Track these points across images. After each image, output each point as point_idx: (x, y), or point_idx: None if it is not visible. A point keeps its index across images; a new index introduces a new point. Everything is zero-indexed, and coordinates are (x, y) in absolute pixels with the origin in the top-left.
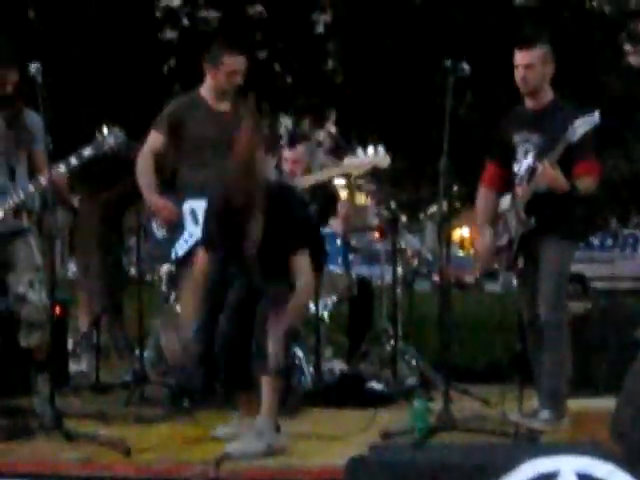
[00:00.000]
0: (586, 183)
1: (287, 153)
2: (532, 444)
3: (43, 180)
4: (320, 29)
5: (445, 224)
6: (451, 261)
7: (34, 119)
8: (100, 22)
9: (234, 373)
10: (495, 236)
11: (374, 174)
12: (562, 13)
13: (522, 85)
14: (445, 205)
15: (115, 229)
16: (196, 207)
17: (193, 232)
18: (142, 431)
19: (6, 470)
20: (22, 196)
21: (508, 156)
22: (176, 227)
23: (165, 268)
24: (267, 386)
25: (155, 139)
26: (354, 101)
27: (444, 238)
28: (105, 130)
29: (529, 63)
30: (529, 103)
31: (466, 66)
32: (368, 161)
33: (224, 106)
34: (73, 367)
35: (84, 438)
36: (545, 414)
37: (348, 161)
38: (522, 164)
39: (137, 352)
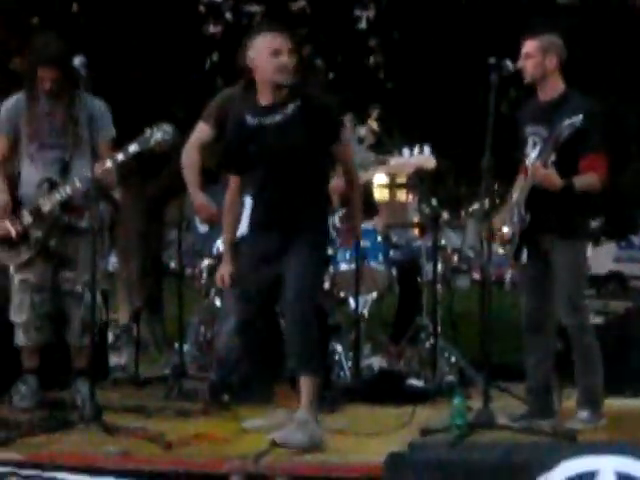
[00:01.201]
0: (587, 180)
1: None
2: (571, 443)
3: (90, 175)
4: (363, 25)
5: (487, 221)
6: (492, 259)
7: (99, 106)
8: (144, 16)
9: (270, 367)
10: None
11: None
12: (605, 10)
13: (524, 75)
14: (487, 202)
15: (156, 222)
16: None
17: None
18: (181, 425)
19: (46, 462)
20: (69, 191)
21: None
22: (219, 221)
23: (206, 262)
24: (305, 380)
25: (202, 131)
26: (397, 97)
27: (486, 236)
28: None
29: (527, 52)
30: (539, 95)
31: (510, 63)
32: (414, 162)
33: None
34: (113, 360)
35: (124, 431)
36: (583, 414)
37: (394, 161)
38: (531, 157)
39: (177, 346)
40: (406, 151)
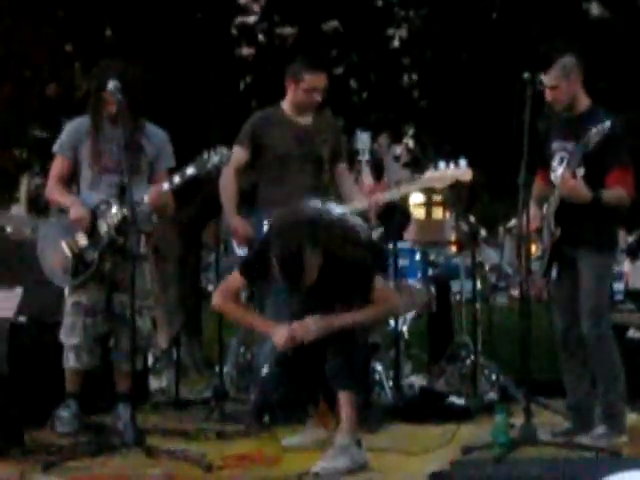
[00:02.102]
0: (615, 194)
1: (368, 179)
2: (614, 458)
3: (146, 199)
4: (396, 44)
5: (524, 238)
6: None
7: (160, 137)
8: (176, 39)
9: (309, 387)
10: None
11: (452, 187)
12: (636, 24)
13: (554, 105)
14: (525, 218)
15: (194, 246)
16: None
17: None
18: (223, 447)
19: None
20: (126, 213)
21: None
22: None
23: None
24: (346, 401)
25: (239, 155)
26: (431, 115)
27: (524, 252)
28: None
29: (552, 84)
30: (566, 111)
31: (544, 78)
32: (450, 175)
33: (305, 120)
34: (153, 384)
35: (165, 454)
36: (600, 429)
37: (429, 175)
38: (557, 172)
39: (217, 368)
40: (442, 164)
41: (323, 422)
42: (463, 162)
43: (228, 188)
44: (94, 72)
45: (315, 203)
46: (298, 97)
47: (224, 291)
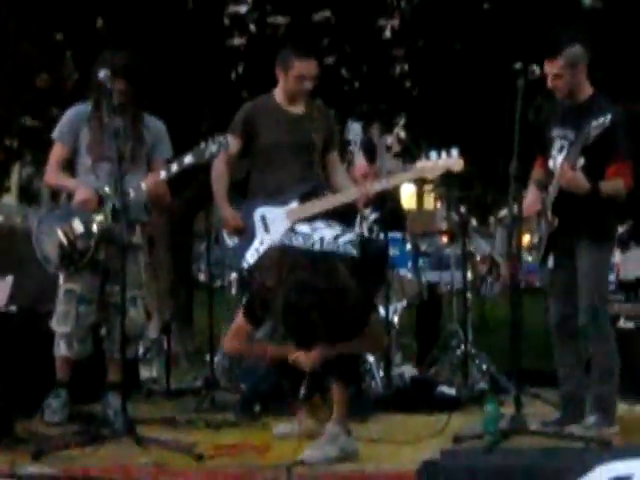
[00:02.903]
0: (613, 185)
1: (362, 162)
2: (605, 448)
3: (143, 186)
4: (387, 34)
5: (515, 228)
6: (521, 265)
7: (158, 127)
8: (168, 29)
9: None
10: (541, 204)
11: (444, 177)
12: (630, 13)
13: (555, 92)
14: (515, 208)
15: (185, 236)
16: (267, 213)
17: (264, 239)
18: (213, 436)
19: (79, 475)
20: (121, 201)
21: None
22: (247, 234)
23: (234, 274)
24: (337, 390)
25: (230, 144)
26: (422, 106)
27: (515, 242)
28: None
29: (556, 73)
30: (568, 99)
31: (536, 69)
32: (441, 164)
33: (297, 109)
34: (144, 373)
35: (155, 443)
36: (591, 420)
37: (420, 165)
38: (557, 160)
39: (208, 358)
40: (433, 154)
41: (315, 413)
42: (455, 151)
43: (219, 178)
44: (98, 61)
45: (305, 234)
46: (289, 85)
47: (231, 336)
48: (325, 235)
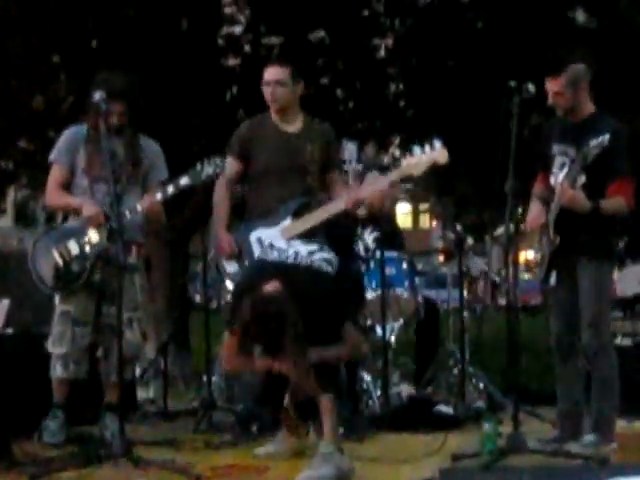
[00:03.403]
0: (614, 203)
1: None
2: (603, 465)
3: (139, 208)
4: (382, 53)
5: (512, 246)
6: (518, 283)
7: (154, 149)
8: (162, 50)
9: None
10: (544, 218)
11: (440, 196)
12: (623, 31)
13: (556, 109)
14: (512, 227)
15: (181, 256)
16: (262, 235)
17: None
18: (211, 457)
19: None
20: (118, 223)
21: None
22: (245, 258)
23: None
24: (326, 406)
25: (230, 165)
26: (417, 124)
27: (511, 260)
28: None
29: (556, 91)
30: (569, 116)
31: (531, 87)
32: (425, 159)
33: (293, 127)
34: (141, 394)
35: (153, 465)
36: (589, 438)
37: (405, 162)
38: (558, 177)
39: (204, 379)
40: (417, 149)
41: (294, 431)
42: (438, 143)
43: (219, 201)
44: (94, 82)
45: (281, 249)
46: (266, 97)
47: (226, 356)
48: (300, 250)
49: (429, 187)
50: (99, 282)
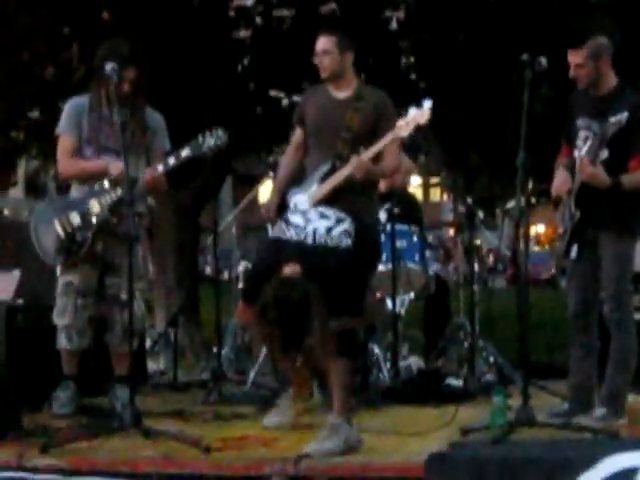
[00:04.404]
0: (635, 178)
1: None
2: (613, 439)
3: (141, 179)
4: (394, 26)
5: (523, 219)
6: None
7: (156, 119)
8: (173, 22)
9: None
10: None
11: (450, 169)
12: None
13: (577, 82)
14: (523, 200)
15: (191, 228)
16: (297, 200)
17: None
18: (221, 429)
19: (86, 468)
20: (120, 194)
21: (574, 136)
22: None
23: (242, 266)
24: (338, 372)
25: (296, 133)
26: (429, 97)
27: (522, 234)
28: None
29: (579, 63)
30: (592, 89)
31: (543, 60)
32: (410, 119)
33: (343, 93)
34: (151, 366)
35: (163, 436)
36: (600, 411)
37: (399, 124)
38: (581, 151)
39: (215, 350)
40: (411, 110)
41: (299, 393)
42: (427, 103)
43: (282, 166)
44: (99, 51)
45: (298, 226)
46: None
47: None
48: (318, 227)
49: (440, 160)
50: (101, 253)
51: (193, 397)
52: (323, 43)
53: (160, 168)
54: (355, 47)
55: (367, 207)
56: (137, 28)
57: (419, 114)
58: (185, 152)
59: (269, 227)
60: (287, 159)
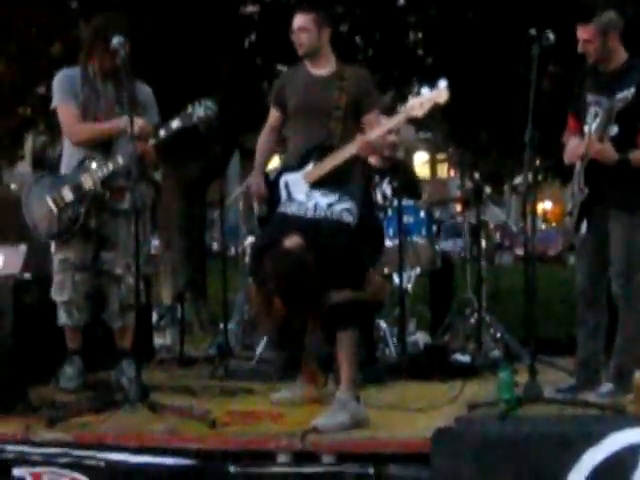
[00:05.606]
0: None
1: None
2: (619, 415)
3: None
4: (401, 1)
5: (530, 196)
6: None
7: (146, 93)
8: None
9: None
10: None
11: (458, 145)
12: None
13: (586, 57)
14: (530, 177)
15: (198, 203)
16: (289, 179)
17: (287, 205)
18: (227, 403)
19: (92, 442)
20: (111, 168)
21: (584, 111)
22: (276, 202)
23: (249, 241)
24: (345, 345)
25: (271, 114)
26: (436, 73)
27: (530, 210)
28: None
29: (587, 38)
30: (601, 65)
31: (551, 35)
32: (427, 99)
33: (324, 71)
34: (158, 341)
35: (169, 410)
36: (606, 387)
37: (410, 104)
38: (591, 127)
39: (221, 326)
40: (424, 90)
41: (312, 380)
42: (443, 83)
43: (259, 147)
44: (94, 23)
45: (300, 202)
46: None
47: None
48: (319, 202)
49: (447, 136)
50: (95, 228)
51: (200, 372)
52: (300, 20)
53: (152, 141)
54: (332, 24)
55: (363, 190)
56: (144, 3)
57: (436, 94)
58: (175, 123)
59: (255, 205)
60: (264, 139)
